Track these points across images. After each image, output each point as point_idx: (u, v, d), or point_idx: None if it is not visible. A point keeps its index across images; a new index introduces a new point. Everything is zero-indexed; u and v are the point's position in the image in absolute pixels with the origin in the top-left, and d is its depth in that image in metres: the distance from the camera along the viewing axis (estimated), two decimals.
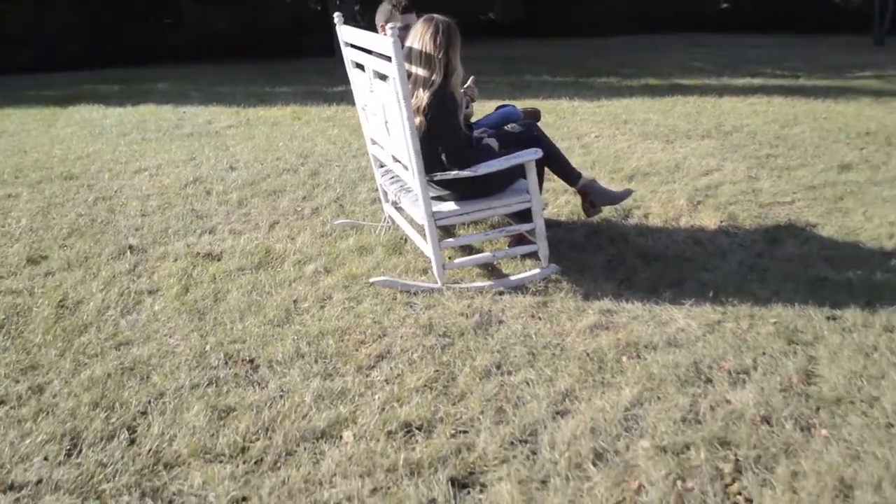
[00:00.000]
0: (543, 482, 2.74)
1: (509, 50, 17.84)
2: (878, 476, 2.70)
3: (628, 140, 7.56)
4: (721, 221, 5.22)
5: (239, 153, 7.32)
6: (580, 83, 12.15)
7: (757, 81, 12.03)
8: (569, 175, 4.74)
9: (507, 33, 22.03)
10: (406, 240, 4.91)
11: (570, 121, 8.64)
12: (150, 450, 2.93)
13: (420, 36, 4.13)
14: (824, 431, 2.98)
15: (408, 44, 4.14)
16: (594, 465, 2.82)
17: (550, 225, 5.02)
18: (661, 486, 2.68)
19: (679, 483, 2.70)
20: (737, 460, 2.82)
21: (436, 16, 4.16)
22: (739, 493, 2.66)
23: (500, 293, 4.21)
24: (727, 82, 11.95)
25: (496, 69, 13.77)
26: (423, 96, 4.12)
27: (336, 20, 4.79)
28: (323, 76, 13.56)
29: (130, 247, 4.92)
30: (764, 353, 3.55)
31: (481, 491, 2.71)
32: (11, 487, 2.74)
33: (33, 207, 5.74)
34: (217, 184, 6.27)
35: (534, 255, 4.52)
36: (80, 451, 2.92)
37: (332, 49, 16.16)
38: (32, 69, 15.26)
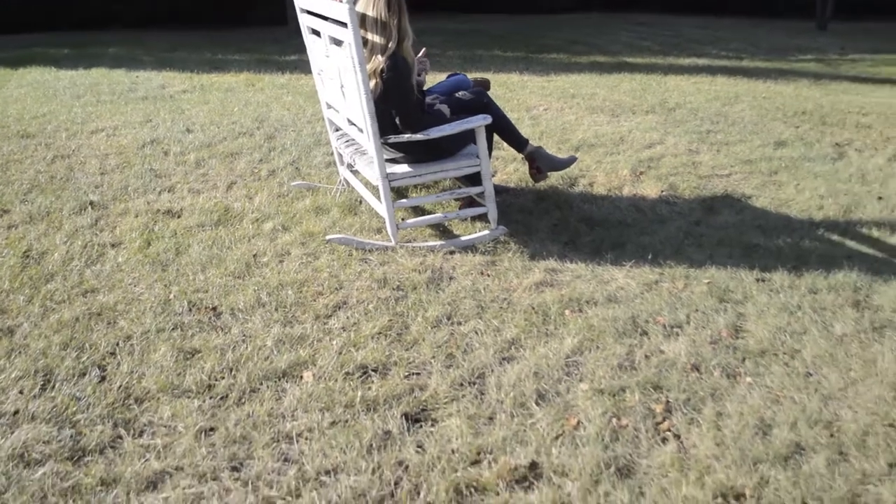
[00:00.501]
0: (490, 418, 2.96)
1: (461, 24, 17.98)
2: (795, 416, 2.97)
3: (575, 113, 7.81)
4: (662, 191, 5.48)
5: (194, 117, 7.42)
6: (530, 58, 12.37)
7: (702, 62, 12.36)
8: (517, 141, 4.95)
9: (460, 7, 22.14)
10: (361, 201, 5.09)
11: (519, 94, 8.85)
12: (120, 386, 3.10)
13: (374, 3, 4.29)
14: (748, 379, 3.25)
15: (360, 10, 4.30)
16: (537, 404, 3.05)
17: (500, 191, 5.26)
18: (597, 423, 2.91)
19: (614, 420, 2.95)
20: (667, 402, 3.07)
21: None
22: (669, 430, 2.91)
23: (451, 252, 4.42)
24: (673, 62, 12.26)
25: (448, 42, 13.94)
26: (379, 60, 4.30)
27: None
28: (275, 45, 13.62)
29: (91, 203, 5.04)
30: (697, 310, 3.81)
31: (432, 425, 2.92)
32: None
33: None
34: (174, 145, 6.38)
35: (483, 217, 4.74)
36: (54, 387, 3.08)
37: (284, 19, 16.29)
38: None
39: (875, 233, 4.81)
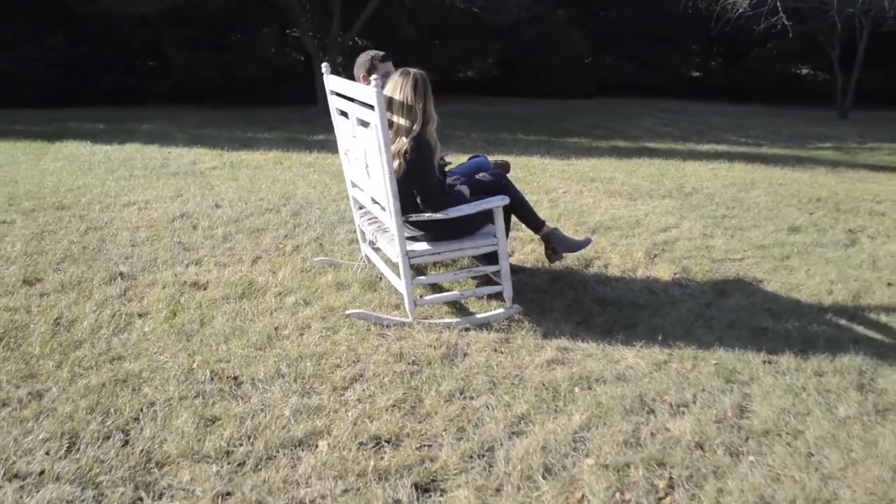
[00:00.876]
0: (497, 490, 3.06)
1: (486, 107, 18.39)
2: (794, 495, 3.05)
3: (594, 196, 7.99)
4: (675, 274, 5.61)
5: (223, 192, 7.66)
6: (552, 142, 12.64)
7: (721, 148, 12.58)
8: (533, 222, 5.11)
9: (485, 91, 22.63)
10: (381, 278, 5.24)
11: (539, 176, 9.06)
12: (142, 450, 3.23)
13: (400, 87, 4.51)
14: (751, 458, 3.34)
15: (388, 93, 4.51)
16: (543, 477, 3.15)
17: (516, 270, 5.40)
18: (601, 497, 3.01)
19: (618, 494, 3.04)
20: (670, 478, 3.16)
21: (411, 69, 4.55)
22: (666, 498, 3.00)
23: (467, 329, 4.55)
24: (693, 147, 12.48)
25: (472, 125, 14.27)
26: (404, 142, 4.49)
27: (324, 70, 5.17)
28: (304, 124, 13.98)
29: (121, 273, 5.23)
30: (703, 390, 3.91)
31: (441, 495, 3.03)
32: (16, 476, 3.03)
33: (27, 233, 6.04)
34: (203, 219, 6.60)
35: (499, 296, 4.87)
36: (79, 449, 3.22)
37: (312, 99, 16.77)
38: (17, 104, 15.53)
39: (883, 318, 4.91)
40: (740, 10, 15.54)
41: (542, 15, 22.31)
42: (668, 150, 12.02)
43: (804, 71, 27.30)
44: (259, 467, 3.15)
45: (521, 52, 22.71)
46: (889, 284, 5.53)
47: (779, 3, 15.14)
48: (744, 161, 10.95)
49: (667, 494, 3.07)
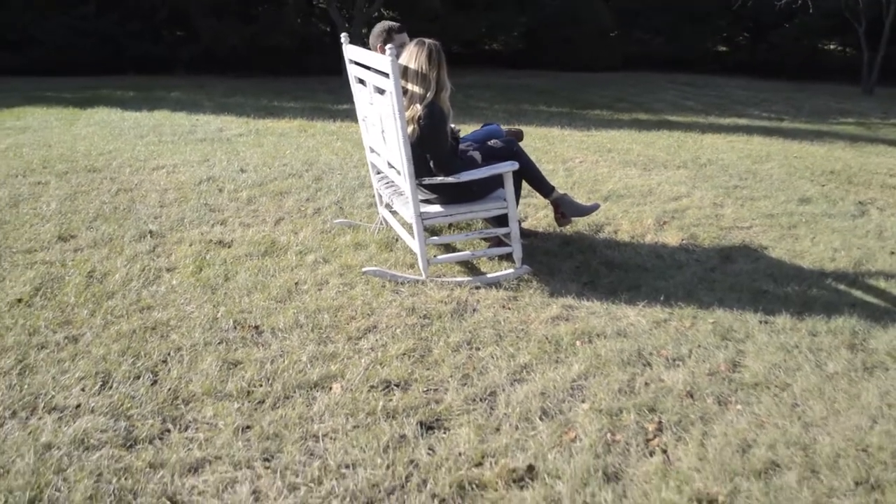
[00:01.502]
0: (497, 429, 3.30)
1: (510, 79, 18.51)
2: (775, 439, 3.26)
3: (609, 166, 8.16)
4: (683, 240, 5.79)
5: (248, 158, 7.90)
6: (574, 114, 12.79)
7: (742, 121, 12.68)
8: (543, 187, 5.31)
9: (509, 64, 22.73)
10: (397, 239, 5.47)
11: (557, 146, 9.24)
12: (169, 388, 3.48)
13: (415, 57, 4.72)
14: (738, 406, 3.55)
15: (403, 62, 4.72)
16: (540, 419, 3.37)
17: (528, 234, 5.61)
18: (592, 436, 3.23)
19: (609, 435, 3.26)
20: (660, 422, 3.38)
21: (426, 39, 4.76)
22: (657, 446, 3.22)
23: (477, 287, 4.77)
24: (713, 121, 12.60)
25: (495, 97, 14.42)
26: (417, 109, 4.71)
27: (343, 39, 5.39)
28: (329, 94, 14.20)
29: (150, 232, 5.48)
30: (699, 346, 4.12)
31: (444, 432, 3.26)
32: (55, 408, 3.29)
33: (61, 194, 6.31)
34: (228, 183, 6.85)
35: (509, 257, 5.09)
36: (111, 386, 3.48)
37: (338, 69, 16.98)
38: (48, 73, 15.83)
39: (882, 283, 5.08)
40: None
41: None
42: (689, 122, 12.14)
43: (831, 46, 27.16)
44: (277, 405, 3.40)
45: (546, 24, 22.79)
46: (892, 253, 5.69)
47: None
48: (763, 135, 11.06)
49: (655, 436, 3.29)
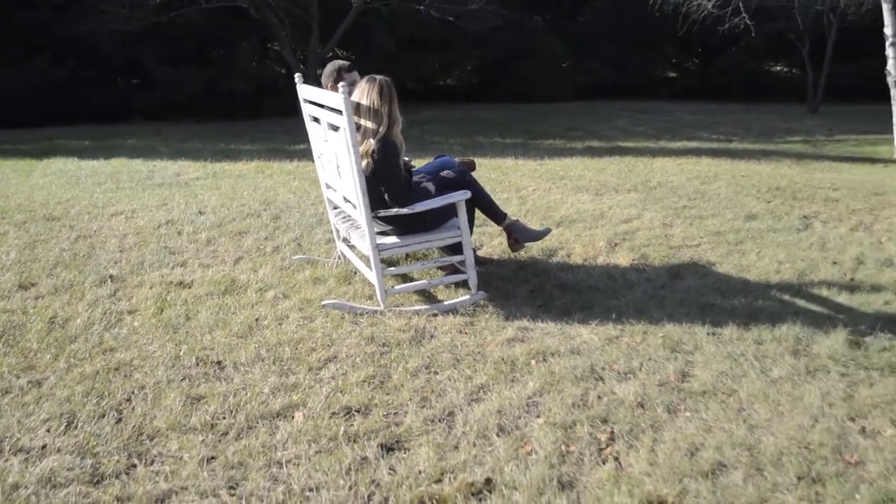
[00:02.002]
0: (455, 447, 3.41)
1: (465, 113, 18.76)
2: (722, 441, 3.41)
3: (561, 192, 8.35)
4: (633, 260, 5.96)
5: (207, 200, 7.99)
6: (528, 144, 13.02)
7: (691, 144, 12.98)
8: (495, 215, 5.46)
9: (464, 98, 23.02)
10: (355, 272, 5.58)
11: (511, 176, 9.42)
12: (134, 425, 3.56)
13: (367, 93, 4.87)
14: (687, 413, 3.69)
15: (356, 99, 4.87)
16: (497, 435, 3.49)
17: (483, 262, 5.75)
18: (547, 448, 3.36)
19: (563, 446, 3.39)
20: (612, 432, 3.51)
21: (377, 76, 4.92)
22: (610, 454, 3.34)
23: (435, 315, 4.90)
24: (664, 145, 12.88)
25: (451, 131, 14.62)
26: (371, 143, 4.85)
27: (297, 80, 5.54)
28: (285, 135, 14.33)
29: (111, 276, 5.55)
30: (650, 359, 4.26)
31: (405, 452, 3.37)
32: (21, 450, 3.36)
33: (20, 243, 6.36)
34: (187, 225, 6.93)
35: (465, 284, 5.21)
36: (77, 426, 3.55)
37: (294, 110, 17.03)
38: (3, 125, 15.80)
39: (824, 292, 5.27)
40: (705, 12, 15.94)
41: (518, 22, 22.72)
42: (640, 147, 12.41)
43: (777, 68, 27.78)
44: (241, 436, 3.49)
45: (498, 58, 23.14)
46: (834, 263, 5.89)
47: (741, 4, 15.55)
48: (711, 156, 11.34)
49: (608, 445, 3.42)
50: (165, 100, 18.70)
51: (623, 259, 5.99)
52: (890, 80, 12.50)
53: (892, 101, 12.54)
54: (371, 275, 5.05)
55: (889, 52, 12.40)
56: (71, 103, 17.85)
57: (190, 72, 18.65)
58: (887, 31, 12.39)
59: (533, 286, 5.43)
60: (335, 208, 5.80)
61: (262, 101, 19.38)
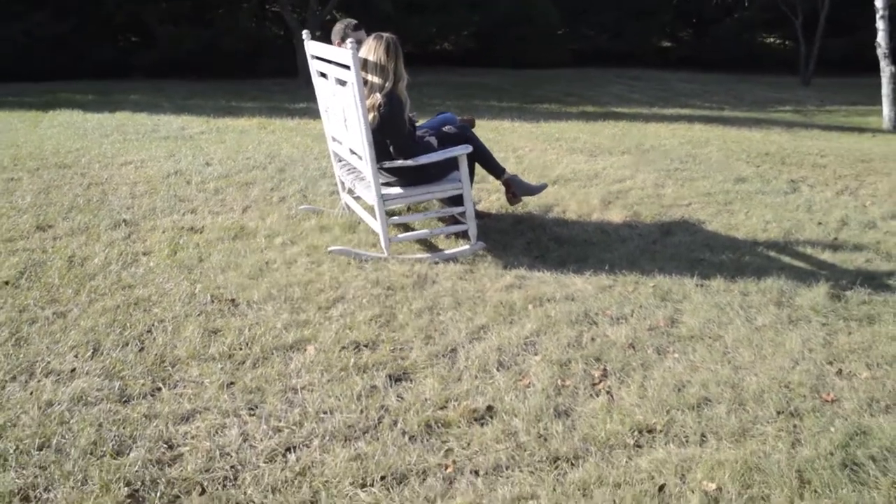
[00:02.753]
0: (458, 378, 3.65)
1: (461, 77, 18.90)
2: (707, 379, 3.66)
3: (557, 153, 8.57)
4: (626, 217, 6.19)
5: (213, 153, 8.19)
6: (524, 108, 13.21)
7: (685, 111, 13.19)
8: (494, 169, 5.68)
9: (461, 63, 23.12)
10: (360, 222, 5.80)
11: (508, 137, 9.64)
12: (156, 354, 3.79)
13: (374, 50, 5.07)
14: (676, 355, 3.94)
15: (363, 56, 5.07)
16: (497, 370, 3.74)
17: (482, 215, 5.97)
18: (544, 382, 3.61)
19: (559, 381, 3.63)
20: (605, 369, 3.76)
21: (384, 34, 5.12)
22: (602, 388, 3.59)
23: (436, 262, 5.12)
24: (657, 111, 13.09)
25: (447, 94, 14.79)
26: (377, 97, 5.05)
27: (304, 36, 5.73)
28: (285, 94, 14.49)
29: (124, 220, 5.76)
30: (641, 306, 4.51)
31: (411, 382, 3.62)
32: (52, 373, 3.60)
33: (35, 188, 6.56)
34: (195, 175, 7.13)
35: (465, 234, 5.44)
36: (102, 353, 3.78)
37: (293, 71, 17.26)
38: (7, 78, 15.88)
39: (808, 250, 5.51)
40: None
41: None
42: (634, 113, 12.62)
43: (770, 40, 27.92)
44: (257, 365, 3.73)
45: (495, 24, 23.20)
46: (819, 224, 6.14)
47: None
48: (703, 122, 11.57)
49: (601, 381, 3.66)
50: (166, 58, 18.78)
51: (616, 216, 6.22)
52: (879, 52, 12.71)
53: (882, 73, 12.76)
54: (375, 224, 5.27)
55: (879, 24, 12.60)
56: (73, 59, 17.93)
57: (190, 31, 18.73)
58: (877, 3, 12.58)
59: (529, 239, 5.66)
60: (340, 161, 6.00)
61: (261, 62, 19.48)
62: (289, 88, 15.09)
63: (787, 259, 5.37)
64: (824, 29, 20.49)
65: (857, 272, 5.09)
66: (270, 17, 22.86)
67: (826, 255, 5.43)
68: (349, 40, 4.82)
